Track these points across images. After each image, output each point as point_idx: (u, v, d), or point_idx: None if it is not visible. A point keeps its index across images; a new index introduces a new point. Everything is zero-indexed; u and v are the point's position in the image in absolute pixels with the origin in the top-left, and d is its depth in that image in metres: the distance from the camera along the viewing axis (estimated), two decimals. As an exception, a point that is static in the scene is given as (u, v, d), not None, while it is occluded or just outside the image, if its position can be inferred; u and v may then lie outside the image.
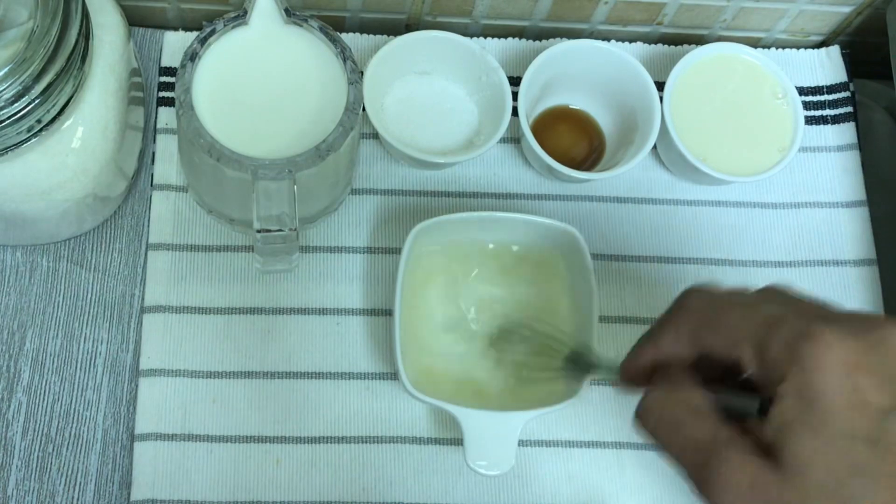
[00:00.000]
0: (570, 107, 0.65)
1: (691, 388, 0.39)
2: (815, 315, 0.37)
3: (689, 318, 0.40)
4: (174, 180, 0.61)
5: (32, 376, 0.57)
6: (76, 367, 0.57)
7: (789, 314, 0.37)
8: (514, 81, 0.60)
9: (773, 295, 0.40)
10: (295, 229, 0.50)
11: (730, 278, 0.62)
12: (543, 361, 0.54)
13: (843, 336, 0.35)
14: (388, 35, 0.64)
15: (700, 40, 0.69)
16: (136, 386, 0.57)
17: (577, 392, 0.53)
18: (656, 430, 0.39)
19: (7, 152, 0.48)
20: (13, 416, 0.56)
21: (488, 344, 0.57)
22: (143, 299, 0.59)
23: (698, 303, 0.40)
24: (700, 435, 0.38)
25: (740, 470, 0.36)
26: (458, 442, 0.56)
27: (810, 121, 0.66)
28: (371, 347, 0.59)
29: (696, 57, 0.63)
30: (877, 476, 0.35)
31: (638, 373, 0.43)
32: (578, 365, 0.52)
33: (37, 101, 0.47)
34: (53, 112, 0.48)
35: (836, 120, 0.67)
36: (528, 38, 0.67)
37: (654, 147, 0.63)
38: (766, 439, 0.36)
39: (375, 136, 0.62)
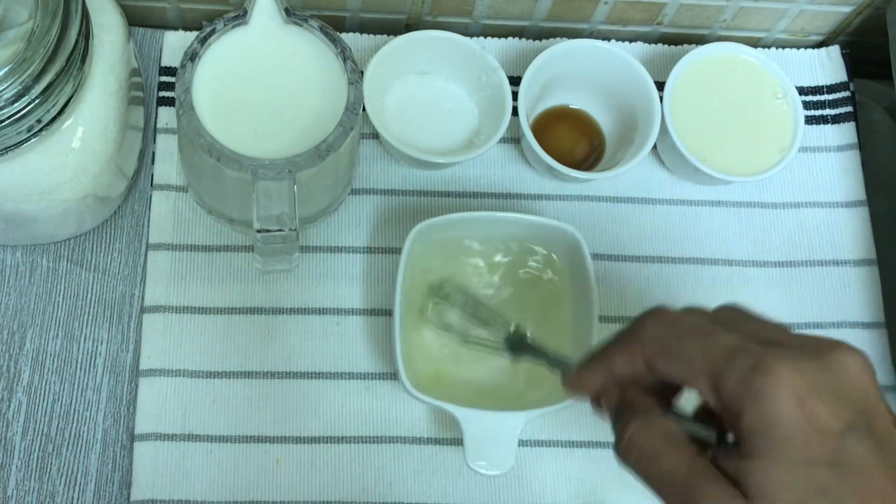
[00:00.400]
0: (570, 107, 0.65)
1: (663, 418, 0.40)
2: (767, 341, 0.38)
3: (644, 344, 0.41)
4: (174, 180, 0.61)
5: (32, 376, 0.57)
6: (76, 367, 0.57)
7: (743, 345, 0.38)
8: (514, 81, 0.60)
9: (730, 317, 0.41)
10: (295, 229, 0.50)
11: (730, 278, 0.62)
12: (486, 332, 0.54)
13: (794, 364, 0.36)
14: (388, 35, 0.64)
15: (700, 40, 0.69)
16: (136, 386, 0.57)
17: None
18: (637, 463, 0.40)
19: (7, 152, 0.48)
20: (13, 416, 0.56)
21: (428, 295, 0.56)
22: (143, 299, 0.59)
23: (654, 330, 0.41)
24: (678, 467, 0.38)
25: (716, 502, 0.37)
26: (458, 442, 0.56)
27: (810, 121, 0.66)
28: (371, 347, 0.59)
29: (696, 57, 0.63)
30: (840, 496, 0.36)
31: (584, 388, 0.43)
32: (515, 347, 0.52)
33: (37, 101, 0.47)
34: (53, 112, 0.48)
35: (836, 120, 0.67)
36: (528, 38, 0.67)
37: (654, 147, 0.63)
38: (731, 471, 0.37)
39: (375, 136, 0.62)
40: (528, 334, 0.52)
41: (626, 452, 0.40)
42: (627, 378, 0.42)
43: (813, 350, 0.37)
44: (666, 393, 0.42)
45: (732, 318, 0.41)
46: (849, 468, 0.36)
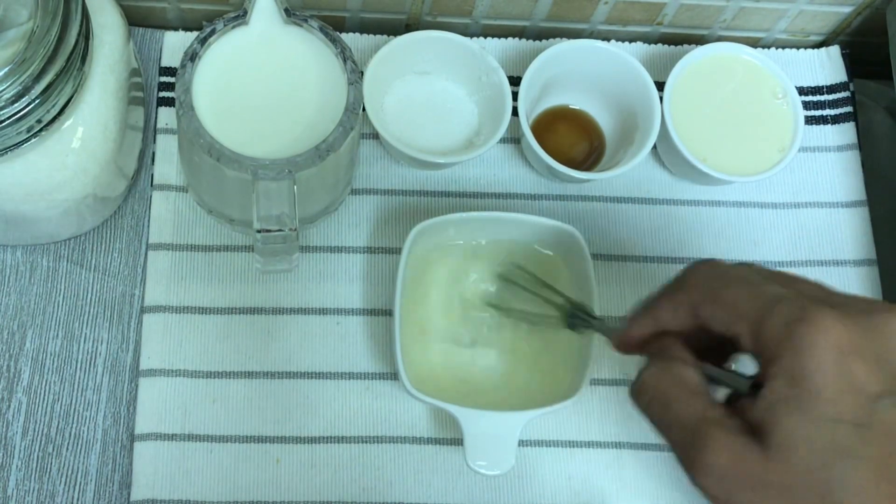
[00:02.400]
0: (570, 107, 0.65)
1: (684, 365, 0.40)
2: (816, 298, 0.37)
3: (690, 291, 0.41)
4: (174, 180, 0.61)
5: (32, 376, 0.57)
6: (76, 367, 0.57)
7: (790, 295, 0.37)
8: (514, 81, 0.60)
9: (782, 276, 0.40)
10: (295, 229, 0.50)
11: (730, 278, 0.62)
12: (543, 311, 0.55)
13: (840, 320, 0.36)
14: (388, 35, 0.64)
15: (700, 40, 0.69)
16: (136, 386, 0.57)
17: (577, 392, 0.53)
18: (648, 406, 0.40)
19: (7, 152, 0.48)
20: (13, 416, 0.56)
21: (496, 289, 0.58)
22: (143, 299, 0.59)
23: (702, 277, 0.40)
24: (689, 414, 0.38)
25: (724, 449, 0.36)
26: (458, 442, 0.56)
27: (810, 121, 0.66)
28: (371, 347, 0.59)
29: (696, 57, 0.63)
30: (861, 459, 0.35)
31: (632, 342, 0.43)
32: (577, 319, 0.53)
33: (37, 101, 0.47)
34: (53, 112, 0.48)
35: (836, 120, 0.67)
36: (528, 38, 0.67)
37: (654, 147, 0.63)
38: (755, 419, 0.37)
39: (375, 136, 0.62)
40: (587, 308, 0.53)
41: (638, 394, 0.40)
42: (673, 328, 0.41)
43: (862, 310, 0.37)
44: (707, 348, 0.41)
45: (784, 276, 0.40)
46: (875, 432, 0.35)
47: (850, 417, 0.35)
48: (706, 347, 0.41)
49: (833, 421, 0.35)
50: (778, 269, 0.62)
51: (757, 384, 0.38)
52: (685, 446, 0.38)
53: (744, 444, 0.36)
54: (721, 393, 0.41)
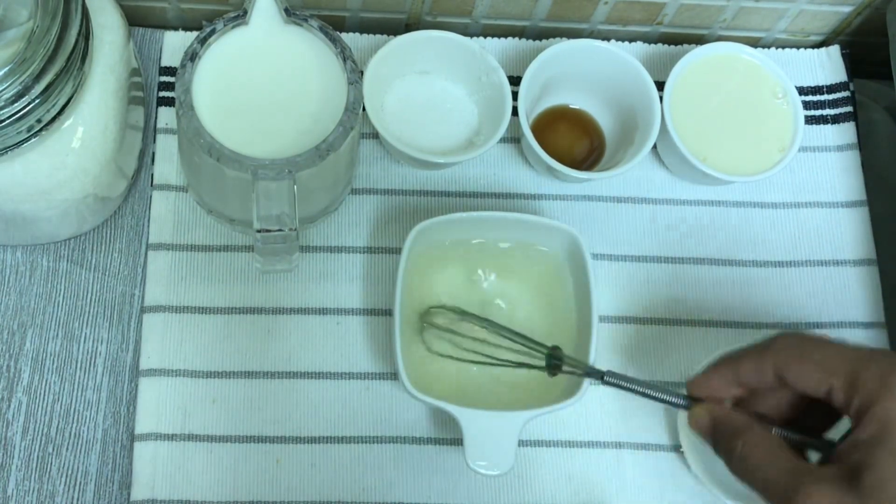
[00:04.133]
0: (570, 107, 0.65)
1: (763, 430, 0.43)
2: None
3: (778, 353, 0.44)
4: (174, 180, 0.61)
5: (32, 376, 0.57)
6: (76, 367, 0.57)
7: (879, 351, 0.42)
8: (514, 81, 0.60)
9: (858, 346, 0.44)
10: (295, 229, 0.50)
11: (730, 278, 0.62)
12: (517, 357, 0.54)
13: None
14: (388, 35, 0.64)
15: (700, 40, 0.69)
16: (136, 386, 0.57)
17: (577, 392, 0.53)
18: (748, 476, 0.42)
19: (7, 152, 0.48)
20: (13, 416, 0.56)
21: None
22: (143, 299, 0.59)
23: (790, 341, 0.44)
24: (780, 473, 0.41)
25: (822, 497, 0.39)
26: (458, 442, 0.56)
27: (810, 121, 0.66)
28: (371, 347, 0.59)
29: (696, 57, 0.63)
30: None
31: (711, 389, 0.46)
32: (553, 365, 0.53)
33: (37, 101, 0.47)
34: (53, 112, 0.48)
35: (836, 120, 0.67)
36: (528, 38, 0.67)
37: (654, 147, 0.63)
38: (849, 464, 0.40)
39: (375, 136, 0.62)
40: (563, 351, 0.53)
41: (738, 469, 0.43)
42: (752, 385, 0.45)
43: None
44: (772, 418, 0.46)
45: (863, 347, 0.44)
46: None
47: None
48: (771, 405, 0.46)
49: None
50: (777, 269, 0.63)
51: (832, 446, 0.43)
52: (782, 499, 0.41)
53: (839, 489, 0.39)
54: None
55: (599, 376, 0.50)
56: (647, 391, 0.48)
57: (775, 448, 0.42)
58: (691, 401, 0.47)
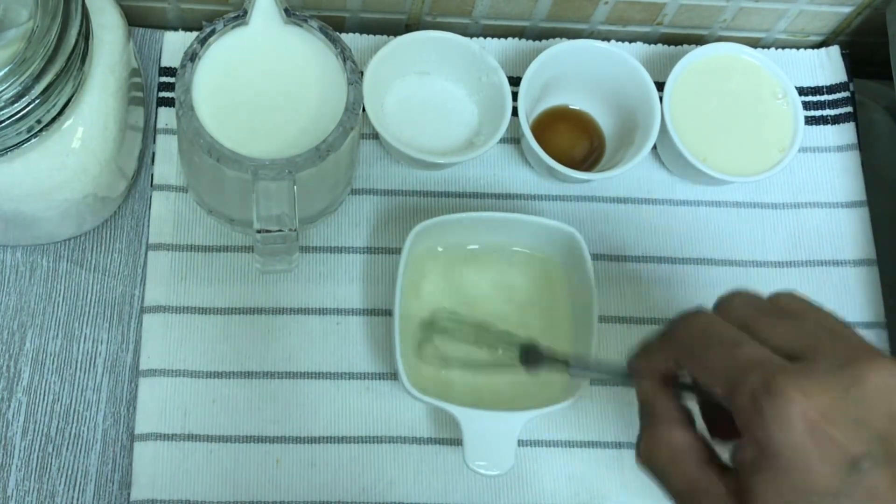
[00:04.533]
0: (570, 107, 0.65)
1: (676, 428, 0.41)
2: (790, 355, 0.37)
3: (676, 346, 0.41)
4: (174, 180, 0.61)
5: (32, 376, 0.57)
6: (76, 367, 0.57)
7: (759, 360, 0.37)
8: (514, 81, 0.60)
9: (782, 305, 0.40)
10: (295, 229, 0.50)
11: (730, 278, 0.62)
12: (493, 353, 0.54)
13: (810, 388, 0.35)
14: (388, 35, 0.64)
15: (700, 40, 0.69)
16: (136, 386, 0.57)
17: (577, 392, 0.53)
18: (651, 472, 0.41)
19: (7, 152, 0.48)
20: (13, 416, 0.56)
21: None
22: (143, 299, 0.59)
23: (686, 332, 0.41)
24: (681, 483, 0.39)
25: None
26: (458, 442, 0.56)
27: (810, 121, 0.66)
28: (371, 347, 0.59)
29: (696, 57, 0.63)
30: None
31: (641, 376, 0.44)
32: (531, 361, 0.52)
33: (37, 101, 0.47)
34: (53, 112, 0.48)
35: (836, 120, 0.67)
36: (528, 38, 0.67)
37: (654, 147, 0.63)
38: (739, 482, 0.37)
39: (375, 136, 0.62)
40: (541, 345, 0.52)
41: (643, 461, 0.41)
42: (665, 372, 0.42)
43: (843, 365, 0.36)
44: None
45: (773, 318, 0.40)
46: (854, 498, 0.34)
47: (827, 488, 0.35)
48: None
49: (808, 493, 0.35)
50: (777, 269, 0.63)
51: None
52: None
53: None
54: None
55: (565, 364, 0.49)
56: (610, 374, 0.47)
57: (681, 453, 0.40)
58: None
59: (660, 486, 0.40)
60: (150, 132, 0.62)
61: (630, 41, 0.67)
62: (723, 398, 0.38)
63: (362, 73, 0.58)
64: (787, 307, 0.40)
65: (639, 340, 0.44)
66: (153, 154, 0.62)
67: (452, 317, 0.55)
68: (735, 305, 0.41)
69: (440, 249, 0.58)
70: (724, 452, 0.40)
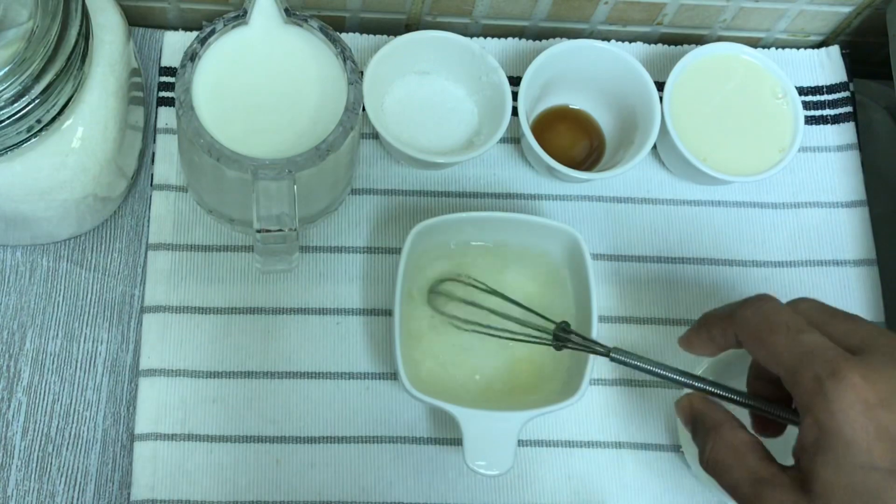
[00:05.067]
0: (570, 107, 0.65)
1: (733, 429, 0.44)
2: (853, 349, 0.41)
3: (739, 326, 0.45)
4: (174, 180, 0.61)
5: (32, 376, 0.57)
6: (76, 367, 0.57)
7: (824, 347, 0.41)
8: (514, 81, 0.60)
9: (831, 317, 0.44)
10: (295, 229, 0.50)
11: (730, 278, 0.62)
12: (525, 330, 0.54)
13: (869, 374, 0.39)
14: (388, 35, 0.64)
15: (700, 40, 0.69)
16: (136, 386, 0.57)
17: (577, 392, 0.53)
18: (716, 476, 0.44)
19: (7, 152, 0.48)
20: (13, 416, 0.56)
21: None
22: (143, 299, 0.59)
23: (751, 316, 0.44)
24: (744, 477, 0.42)
25: None
26: (458, 442, 0.56)
27: (810, 121, 0.66)
28: (371, 347, 0.59)
29: (696, 57, 0.63)
30: (893, 501, 0.38)
31: (687, 345, 0.49)
32: (561, 339, 0.52)
33: (37, 101, 0.47)
34: (53, 112, 0.48)
35: (836, 120, 0.67)
36: (528, 38, 0.67)
37: (654, 147, 0.63)
38: (800, 468, 0.40)
39: (375, 136, 0.62)
40: (572, 326, 0.53)
41: (708, 468, 0.44)
42: (726, 347, 0.46)
43: (892, 359, 0.40)
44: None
45: (837, 318, 0.43)
46: None
47: (882, 465, 0.38)
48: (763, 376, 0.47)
49: (866, 468, 0.38)
50: (777, 269, 0.63)
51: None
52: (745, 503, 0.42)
53: (793, 499, 0.40)
54: None
55: (606, 353, 0.50)
56: (653, 368, 0.49)
57: (743, 450, 0.43)
58: (692, 378, 0.48)
59: (724, 487, 0.43)
60: (150, 132, 0.62)
61: (630, 41, 0.67)
62: (785, 379, 0.42)
63: (362, 73, 0.58)
64: (846, 313, 0.44)
65: (701, 316, 0.48)
66: (153, 154, 0.62)
67: (475, 282, 0.56)
68: (800, 303, 0.45)
69: (440, 249, 0.58)
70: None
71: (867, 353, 0.40)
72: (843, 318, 0.43)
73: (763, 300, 0.44)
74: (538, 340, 0.53)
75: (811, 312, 0.44)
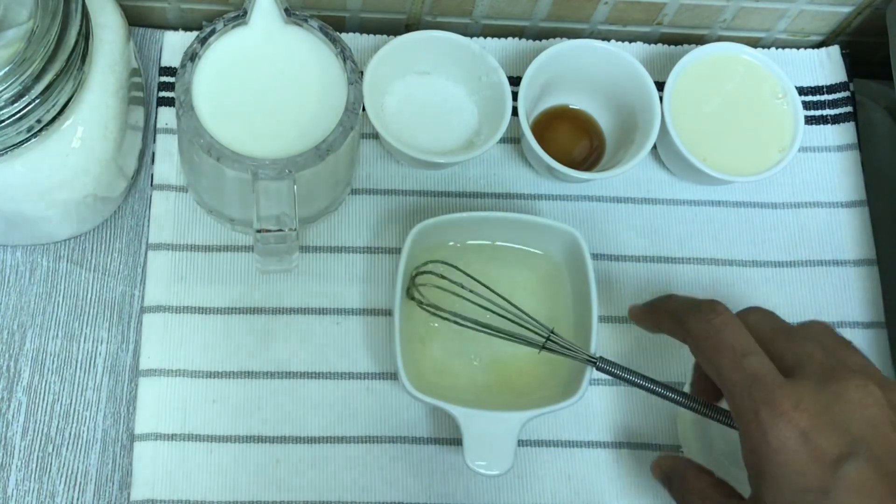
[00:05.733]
0: (570, 107, 0.65)
1: (699, 477, 0.49)
2: (784, 370, 0.44)
3: (687, 334, 0.48)
4: (174, 180, 0.61)
5: (32, 376, 0.57)
6: (76, 367, 0.57)
7: (762, 374, 0.43)
8: (514, 81, 0.60)
9: (785, 334, 0.46)
10: (295, 229, 0.50)
11: (730, 278, 0.62)
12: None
13: (799, 402, 0.42)
14: (388, 35, 0.64)
15: (700, 40, 0.69)
16: (136, 386, 0.57)
17: (577, 392, 0.53)
18: None
19: (7, 152, 0.48)
20: (13, 416, 0.56)
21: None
22: (143, 299, 0.59)
23: (699, 330, 0.47)
24: None
25: None
26: (458, 442, 0.56)
27: (810, 121, 0.66)
28: (371, 347, 0.59)
29: (696, 57, 0.63)
30: None
31: (634, 317, 0.53)
32: (548, 345, 0.53)
33: (37, 101, 0.47)
34: (53, 112, 0.48)
35: (836, 120, 0.67)
36: (528, 38, 0.67)
37: (654, 147, 0.63)
38: (751, 491, 0.44)
39: (375, 136, 0.62)
40: (560, 336, 0.54)
41: None
42: (656, 330, 0.52)
43: (828, 381, 0.43)
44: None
45: (773, 333, 0.46)
46: (841, 492, 0.40)
47: (816, 485, 0.41)
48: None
49: (803, 491, 0.41)
50: (777, 269, 0.63)
51: None
52: None
53: None
54: None
55: (592, 363, 0.52)
56: (638, 380, 0.51)
57: (708, 492, 0.47)
58: (681, 396, 0.50)
59: None
60: (150, 132, 0.62)
61: (630, 41, 0.67)
62: (726, 398, 0.45)
63: (362, 73, 0.58)
64: (790, 327, 0.47)
65: (649, 300, 0.51)
66: (153, 154, 0.62)
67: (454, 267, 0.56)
68: (750, 315, 0.47)
69: (440, 249, 0.58)
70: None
71: (798, 375, 0.43)
72: (787, 335, 0.46)
73: (713, 312, 0.46)
74: (522, 341, 0.54)
75: (758, 327, 0.46)
